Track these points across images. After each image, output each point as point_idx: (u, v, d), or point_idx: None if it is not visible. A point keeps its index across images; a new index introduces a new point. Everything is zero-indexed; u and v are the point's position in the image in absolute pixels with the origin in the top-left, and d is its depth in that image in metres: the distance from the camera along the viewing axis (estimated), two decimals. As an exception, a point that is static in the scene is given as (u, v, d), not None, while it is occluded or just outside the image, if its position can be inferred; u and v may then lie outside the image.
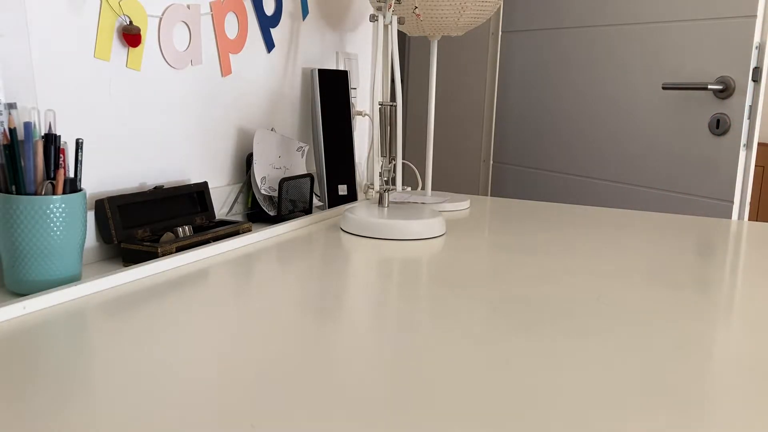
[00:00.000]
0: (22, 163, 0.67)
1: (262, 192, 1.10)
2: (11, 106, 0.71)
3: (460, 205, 1.23)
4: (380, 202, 1.07)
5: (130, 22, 0.87)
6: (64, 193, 0.69)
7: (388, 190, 1.06)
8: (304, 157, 1.22)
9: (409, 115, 2.75)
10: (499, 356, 0.54)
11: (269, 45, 1.17)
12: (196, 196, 0.98)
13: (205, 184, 0.99)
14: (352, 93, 1.39)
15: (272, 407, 0.44)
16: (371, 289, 0.73)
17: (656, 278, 0.79)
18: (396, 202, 1.14)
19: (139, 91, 0.91)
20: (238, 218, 1.10)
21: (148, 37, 0.92)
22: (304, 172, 1.20)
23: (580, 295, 0.71)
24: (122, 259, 0.83)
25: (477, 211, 1.24)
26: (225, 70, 1.07)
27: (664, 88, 1.75)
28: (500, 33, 2.38)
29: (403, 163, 1.09)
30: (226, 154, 1.10)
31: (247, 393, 0.46)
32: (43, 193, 0.68)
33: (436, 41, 1.24)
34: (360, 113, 1.43)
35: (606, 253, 0.91)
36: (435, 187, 2.66)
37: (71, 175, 0.71)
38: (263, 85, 1.17)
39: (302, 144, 1.22)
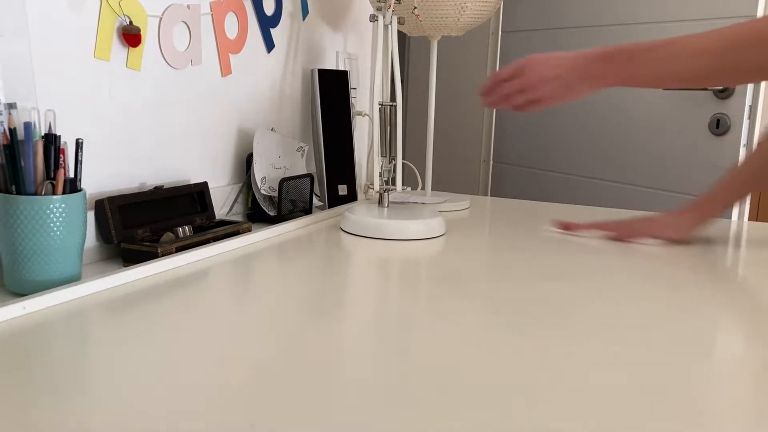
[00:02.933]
0: (22, 163, 0.67)
1: (262, 192, 1.10)
2: (11, 106, 0.71)
3: (460, 205, 1.23)
4: (380, 202, 1.07)
5: (130, 22, 0.87)
6: (64, 193, 0.69)
7: (388, 190, 1.06)
8: (304, 157, 1.22)
9: (409, 115, 2.75)
10: (500, 356, 0.54)
11: (269, 45, 1.17)
12: (196, 196, 0.98)
13: (205, 184, 0.99)
14: (352, 93, 1.39)
15: (272, 407, 0.44)
16: (371, 289, 0.73)
17: (656, 278, 0.79)
18: (396, 202, 1.14)
19: (139, 91, 0.91)
20: (238, 218, 1.10)
21: (148, 37, 0.92)
22: (304, 172, 1.20)
23: (580, 295, 0.71)
24: (122, 259, 0.83)
25: (477, 211, 1.24)
26: (225, 70, 1.07)
27: (664, 88, 1.75)
28: (500, 33, 2.38)
29: (403, 163, 1.09)
30: (226, 154, 1.10)
31: (247, 393, 0.46)
32: (43, 193, 0.68)
33: (436, 41, 1.24)
34: (360, 113, 1.43)
35: (606, 253, 0.91)
36: (435, 187, 2.66)
37: (71, 175, 0.71)
38: (263, 85, 1.17)
39: (302, 144, 1.22)
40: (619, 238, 1.02)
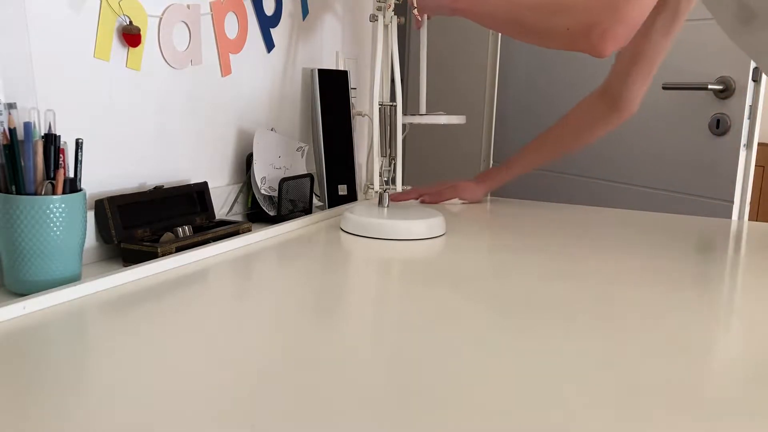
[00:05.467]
0: (22, 163, 0.67)
1: (262, 192, 1.10)
2: (11, 106, 0.71)
3: (455, 119, 1.24)
4: (380, 202, 1.07)
5: (130, 22, 0.87)
6: (64, 193, 0.69)
7: (388, 190, 1.06)
8: (304, 157, 1.22)
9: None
10: (500, 356, 0.54)
11: (269, 45, 1.17)
12: (196, 196, 0.98)
13: (205, 184, 0.99)
14: (352, 93, 1.39)
15: (272, 407, 0.44)
16: (371, 289, 0.73)
17: (656, 278, 0.79)
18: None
19: (139, 91, 0.91)
20: (238, 218, 1.10)
21: (148, 37, 0.92)
22: (304, 172, 1.20)
23: (581, 295, 0.71)
24: (122, 259, 0.83)
25: (477, 211, 1.24)
26: (225, 70, 1.07)
27: (664, 88, 1.75)
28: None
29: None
30: (226, 154, 1.10)
31: (247, 393, 0.46)
32: (43, 193, 0.68)
33: None
34: (360, 113, 1.43)
35: (606, 253, 0.91)
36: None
37: (71, 175, 0.71)
38: (263, 85, 1.17)
39: (302, 144, 1.22)
40: (431, 202, 1.25)
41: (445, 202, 1.28)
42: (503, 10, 1.05)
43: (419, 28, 1.23)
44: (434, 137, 2.68)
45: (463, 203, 1.27)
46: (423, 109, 1.25)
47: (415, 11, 1.13)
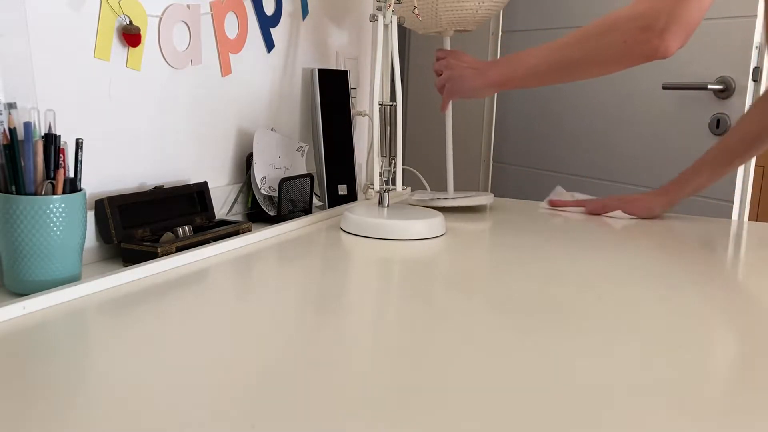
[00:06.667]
0: (22, 163, 0.67)
1: (262, 192, 1.10)
2: (11, 106, 0.71)
3: (484, 199, 1.23)
4: (380, 202, 1.07)
5: (130, 22, 0.87)
6: (64, 193, 0.69)
7: (388, 190, 1.06)
8: (304, 157, 1.22)
9: (409, 116, 2.75)
10: (500, 356, 0.54)
11: (269, 45, 1.17)
12: (196, 196, 0.98)
13: (205, 184, 0.99)
14: (352, 93, 1.39)
15: (272, 407, 0.44)
16: (371, 289, 0.73)
17: (656, 278, 0.79)
18: (423, 205, 1.15)
19: (139, 91, 0.91)
20: (238, 218, 1.10)
21: (148, 37, 0.92)
22: (304, 172, 1.20)
23: (580, 295, 0.71)
24: (122, 259, 0.83)
25: (477, 211, 1.24)
26: (225, 70, 1.07)
27: (664, 88, 1.75)
28: (500, 33, 2.38)
29: (404, 169, 1.09)
30: (226, 154, 1.10)
31: (247, 393, 0.46)
32: (43, 193, 0.68)
33: (448, 38, 1.23)
34: (360, 113, 1.43)
35: (606, 253, 0.91)
36: (434, 188, 2.65)
37: (71, 175, 0.71)
38: (263, 85, 1.17)
39: (302, 144, 1.22)
40: (593, 213, 1.13)
41: (609, 214, 1.16)
42: (545, 61, 0.98)
43: (444, 111, 1.21)
44: (434, 137, 2.68)
45: (632, 218, 1.12)
46: (451, 191, 1.29)
47: (416, 11, 1.13)
